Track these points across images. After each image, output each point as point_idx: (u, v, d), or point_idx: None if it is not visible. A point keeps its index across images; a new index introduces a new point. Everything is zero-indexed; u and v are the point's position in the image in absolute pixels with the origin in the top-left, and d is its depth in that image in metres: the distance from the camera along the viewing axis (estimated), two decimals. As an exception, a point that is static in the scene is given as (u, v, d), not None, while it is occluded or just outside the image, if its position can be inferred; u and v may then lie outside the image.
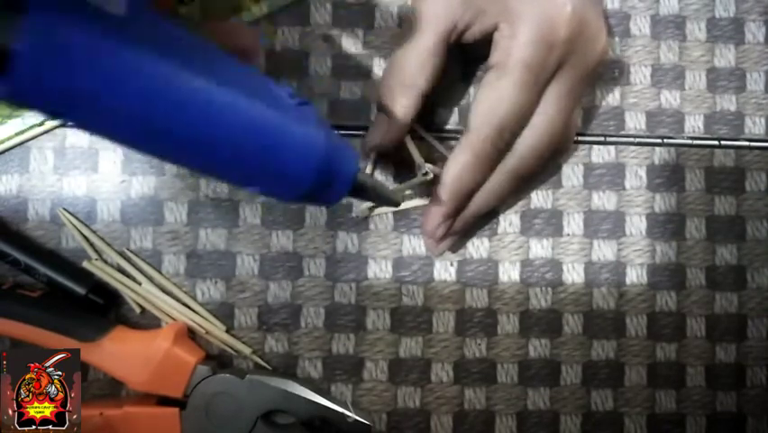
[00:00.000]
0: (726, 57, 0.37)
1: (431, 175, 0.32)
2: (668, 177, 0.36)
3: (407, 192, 0.35)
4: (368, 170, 0.35)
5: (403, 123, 0.32)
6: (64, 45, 0.15)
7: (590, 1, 0.30)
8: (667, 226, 0.36)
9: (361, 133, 0.35)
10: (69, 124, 0.17)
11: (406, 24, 0.32)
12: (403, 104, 0.31)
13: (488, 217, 0.35)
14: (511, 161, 0.31)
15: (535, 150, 0.31)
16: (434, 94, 0.35)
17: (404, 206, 0.35)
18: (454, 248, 0.35)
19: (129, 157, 0.35)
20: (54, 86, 0.15)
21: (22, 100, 0.15)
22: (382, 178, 0.35)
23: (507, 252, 0.36)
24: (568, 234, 0.36)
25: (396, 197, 0.29)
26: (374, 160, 0.35)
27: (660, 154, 0.37)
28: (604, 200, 0.36)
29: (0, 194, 0.34)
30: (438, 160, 0.34)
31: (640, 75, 0.37)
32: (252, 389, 0.32)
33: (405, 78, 0.31)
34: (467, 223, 0.33)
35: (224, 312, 0.34)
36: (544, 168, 0.35)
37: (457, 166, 0.31)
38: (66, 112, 0.16)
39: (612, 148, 0.36)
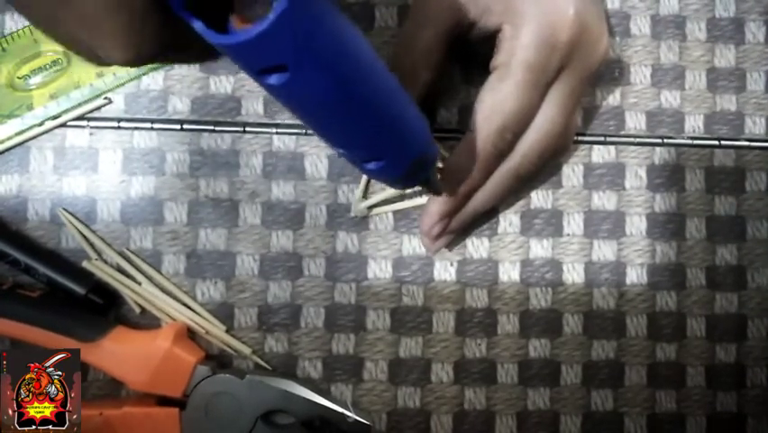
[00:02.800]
0: (726, 57, 0.37)
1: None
2: (668, 177, 0.37)
3: (407, 191, 0.35)
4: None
5: None
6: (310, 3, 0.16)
7: (593, 3, 0.30)
8: (667, 226, 0.36)
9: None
10: (271, 81, 0.17)
11: (408, 19, 0.32)
12: None
13: (487, 217, 0.35)
14: (511, 162, 0.31)
15: (536, 151, 0.31)
16: (435, 93, 0.35)
17: (403, 205, 0.35)
18: (451, 246, 0.35)
19: (129, 157, 0.35)
20: (298, 33, 0.16)
21: (265, 44, 0.16)
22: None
23: (507, 252, 0.36)
24: (568, 234, 0.36)
25: (439, 186, 0.31)
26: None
27: (660, 154, 0.37)
28: (604, 200, 0.36)
29: (0, 194, 0.34)
30: (438, 159, 0.34)
31: (640, 75, 0.37)
32: (252, 389, 0.32)
33: (405, 72, 0.31)
34: (464, 222, 0.33)
35: (223, 312, 0.34)
36: (544, 168, 0.35)
37: (457, 166, 0.31)
38: (290, 63, 0.17)
39: (612, 148, 0.36)
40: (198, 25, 0.16)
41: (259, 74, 0.17)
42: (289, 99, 0.19)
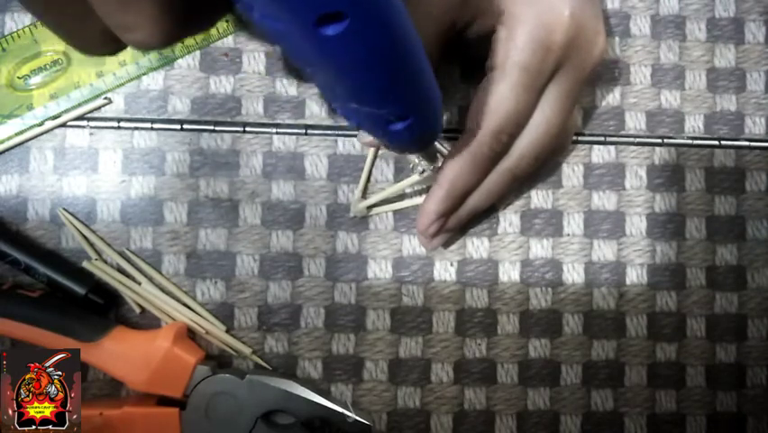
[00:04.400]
0: (726, 57, 0.37)
1: (427, 172, 0.32)
2: (668, 177, 0.37)
3: (406, 191, 0.35)
4: (366, 167, 0.35)
5: None
6: None
7: (589, 3, 0.30)
8: (667, 226, 0.36)
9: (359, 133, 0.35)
10: (328, 31, 0.17)
11: None
12: None
13: (486, 215, 0.35)
14: (508, 162, 0.31)
15: (533, 151, 0.31)
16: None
17: (402, 204, 0.35)
18: (447, 244, 0.35)
19: (129, 157, 0.35)
20: None
21: None
22: (381, 176, 0.35)
23: (507, 252, 0.36)
24: (568, 235, 0.36)
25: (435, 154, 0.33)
26: (373, 156, 0.35)
27: (660, 154, 0.37)
28: (604, 200, 0.36)
29: (0, 194, 0.34)
30: (437, 160, 0.34)
31: (640, 75, 0.37)
32: (252, 389, 0.32)
33: None
34: (461, 221, 0.33)
35: (223, 312, 0.34)
36: (541, 168, 0.35)
37: (453, 167, 0.31)
38: (349, 10, 0.17)
39: (612, 148, 0.36)
40: None
41: (316, 24, 0.17)
42: (344, 51, 0.19)
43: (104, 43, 0.19)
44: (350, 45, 0.18)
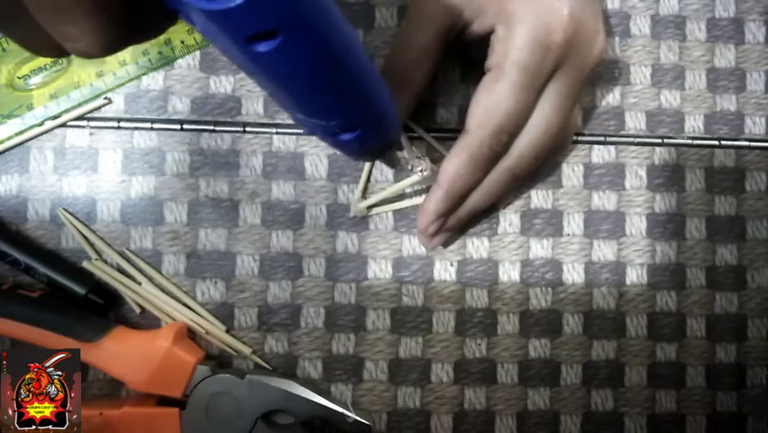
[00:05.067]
0: (726, 57, 0.37)
1: (426, 172, 0.32)
2: (668, 177, 0.37)
3: (406, 191, 0.35)
4: (366, 167, 0.35)
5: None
6: None
7: (589, 3, 0.30)
8: (667, 226, 0.36)
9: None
10: (260, 48, 0.17)
11: (404, 20, 0.32)
12: (398, 100, 0.32)
13: (486, 215, 0.35)
14: (508, 162, 0.31)
15: (533, 151, 0.31)
16: (433, 94, 0.35)
17: (402, 204, 0.35)
18: (447, 243, 0.35)
19: (129, 157, 0.35)
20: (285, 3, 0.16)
21: (257, 6, 0.16)
22: (381, 176, 0.35)
23: (507, 252, 0.36)
24: (568, 235, 0.36)
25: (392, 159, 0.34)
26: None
27: (660, 154, 0.37)
28: (604, 200, 0.36)
29: (0, 194, 0.34)
30: (437, 160, 0.34)
31: (640, 75, 0.37)
32: (252, 389, 0.32)
33: (401, 74, 0.31)
34: (461, 220, 0.33)
35: (223, 312, 0.34)
36: (541, 167, 0.35)
37: (453, 167, 0.31)
38: (282, 27, 0.17)
39: (612, 148, 0.36)
40: None
41: (247, 42, 0.17)
42: (277, 68, 0.19)
43: (53, 48, 0.19)
44: (283, 61, 0.18)
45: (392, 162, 0.34)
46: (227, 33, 0.16)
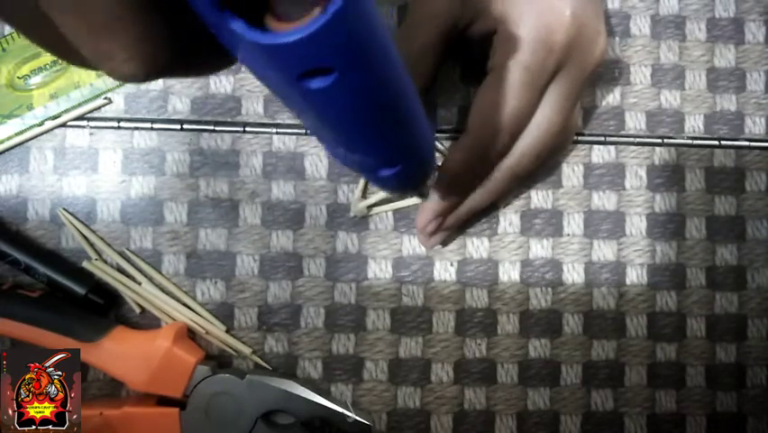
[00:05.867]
0: (726, 57, 0.37)
1: None
2: (668, 177, 0.37)
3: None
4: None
5: None
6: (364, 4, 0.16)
7: (590, 3, 0.30)
8: (667, 226, 0.36)
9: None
10: (312, 85, 0.16)
11: (405, 20, 0.32)
12: None
13: (486, 214, 0.35)
14: (509, 161, 0.31)
15: (534, 150, 0.31)
16: (433, 94, 0.35)
17: (402, 204, 0.35)
18: (447, 242, 0.35)
19: (129, 157, 0.35)
20: (351, 32, 0.15)
21: (316, 43, 0.15)
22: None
23: (507, 252, 0.36)
24: (568, 235, 0.36)
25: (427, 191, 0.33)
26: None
27: (660, 154, 0.37)
28: (604, 200, 0.36)
29: (0, 194, 0.34)
30: (438, 159, 0.34)
31: (640, 75, 0.37)
32: (252, 389, 0.32)
33: None
34: (461, 220, 0.33)
35: (224, 312, 0.34)
36: (542, 167, 0.35)
37: (454, 166, 0.31)
38: (339, 65, 0.16)
39: (612, 148, 0.36)
40: (239, 25, 0.14)
41: (299, 78, 0.16)
42: (328, 105, 0.18)
43: (83, 62, 0.17)
44: (335, 98, 0.17)
45: (424, 194, 0.33)
46: (279, 69, 0.16)
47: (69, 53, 0.18)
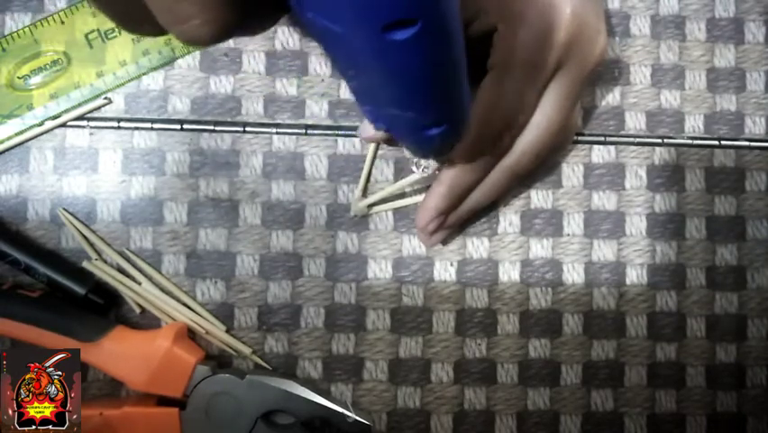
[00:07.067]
0: (726, 57, 0.37)
1: (429, 171, 0.32)
2: (668, 177, 0.37)
3: (407, 189, 0.35)
4: (366, 165, 0.35)
5: None
6: None
7: (590, 2, 0.30)
8: (667, 226, 0.36)
9: (361, 133, 0.35)
10: (396, 36, 0.17)
11: None
12: None
13: (486, 213, 0.35)
14: (509, 160, 0.31)
15: (534, 149, 0.31)
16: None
17: (403, 202, 0.35)
18: (446, 242, 0.35)
19: (129, 157, 0.35)
20: None
21: None
22: (381, 176, 0.35)
23: (507, 252, 0.36)
24: (568, 235, 0.36)
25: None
26: (373, 155, 0.35)
27: (660, 154, 0.37)
28: (604, 200, 0.36)
29: (0, 194, 0.34)
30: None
31: (640, 75, 0.37)
32: (252, 389, 0.32)
33: None
34: (461, 218, 0.33)
35: (223, 312, 0.34)
36: (542, 165, 0.35)
37: (454, 164, 0.31)
38: (423, 16, 0.16)
39: (612, 148, 0.36)
40: None
41: (384, 29, 0.16)
42: (407, 57, 0.18)
43: (155, 27, 0.18)
44: (415, 51, 0.17)
45: (446, 159, 0.31)
46: (365, 19, 0.16)
47: (135, 19, 0.18)
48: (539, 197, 0.36)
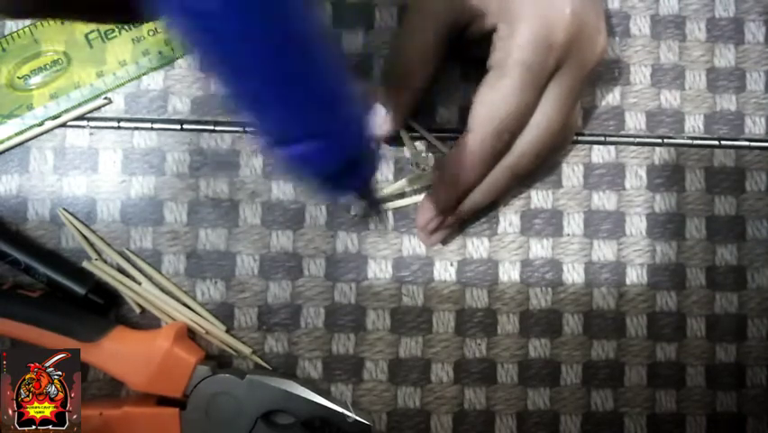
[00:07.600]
0: (726, 57, 0.37)
1: (429, 170, 0.32)
2: (668, 177, 0.37)
3: (406, 189, 0.35)
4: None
5: (399, 117, 0.32)
6: None
7: (590, 2, 0.30)
8: (667, 226, 0.36)
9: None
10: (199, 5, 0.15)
11: (405, 19, 0.32)
12: (400, 98, 0.32)
13: (486, 214, 0.35)
14: (509, 160, 0.31)
15: (534, 149, 0.31)
16: (434, 93, 0.35)
17: (403, 202, 0.35)
18: (446, 242, 0.35)
19: (129, 157, 0.35)
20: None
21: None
22: (381, 176, 0.35)
23: (507, 252, 0.36)
24: (568, 235, 0.36)
25: (377, 201, 0.29)
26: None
27: (660, 154, 0.37)
28: (604, 200, 0.36)
29: (0, 194, 0.34)
30: (430, 159, 0.34)
31: (640, 75, 0.37)
32: (252, 389, 0.32)
33: (403, 73, 0.31)
34: (461, 218, 0.33)
35: (223, 312, 0.34)
36: (542, 165, 0.35)
37: (454, 164, 0.31)
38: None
39: (612, 148, 0.36)
40: None
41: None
42: (217, 34, 0.16)
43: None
44: (223, 25, 0.15)
45: (375, 201, 0.28)
46: None
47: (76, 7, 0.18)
48: (539, 197, 0.36)
